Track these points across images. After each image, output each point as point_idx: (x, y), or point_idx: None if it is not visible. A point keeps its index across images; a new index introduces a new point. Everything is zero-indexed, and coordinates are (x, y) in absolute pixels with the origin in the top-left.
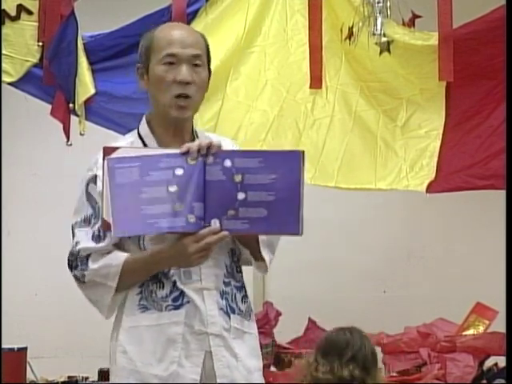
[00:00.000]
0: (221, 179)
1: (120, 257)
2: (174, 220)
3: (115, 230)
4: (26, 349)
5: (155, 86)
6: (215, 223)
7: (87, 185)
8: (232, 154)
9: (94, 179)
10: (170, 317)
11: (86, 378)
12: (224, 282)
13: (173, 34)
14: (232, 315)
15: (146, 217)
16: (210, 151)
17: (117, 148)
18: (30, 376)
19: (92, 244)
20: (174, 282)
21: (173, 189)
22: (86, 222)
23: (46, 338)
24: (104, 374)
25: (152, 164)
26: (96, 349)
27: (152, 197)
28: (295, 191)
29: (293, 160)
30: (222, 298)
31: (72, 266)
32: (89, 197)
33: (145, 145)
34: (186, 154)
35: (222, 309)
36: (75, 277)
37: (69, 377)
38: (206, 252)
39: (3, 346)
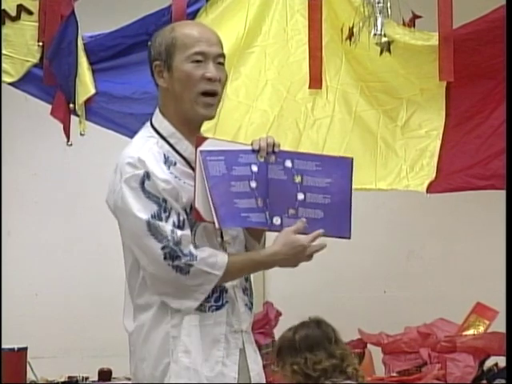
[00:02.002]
0: (282, 178)
1: (222, 252)
2: (259, 215)
3: (221, 222)
4: (26, 349)
5: (182, 84)
6: (277, 221)
7: (142, 183)
8: (292, 155)
9: (147, 176)
10: (215, 317)
11: (86, 378)
12: (245, 278)
13: (198, 32)
14: (252, 310)
15: (240, 210)
16: (273, 149)
17: (206, 138)
18: (30, 376)
19: (183, 232)
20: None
21: (253, 184)
22: (156, 218)
23: (45, 338)
24: (104, 374)
25: (233, 159)
26: (96, 349)
27: (240, 191)
28: (347, 196)
29: (345, 166)
30: (245, 294)
31: (173, 256)
32: (148, 195)
33: (170, 145)
34: (257, 150)
35: (246, 305)
36: (177, 267)
37: (69, 377)
38: None
39: (3, 346)
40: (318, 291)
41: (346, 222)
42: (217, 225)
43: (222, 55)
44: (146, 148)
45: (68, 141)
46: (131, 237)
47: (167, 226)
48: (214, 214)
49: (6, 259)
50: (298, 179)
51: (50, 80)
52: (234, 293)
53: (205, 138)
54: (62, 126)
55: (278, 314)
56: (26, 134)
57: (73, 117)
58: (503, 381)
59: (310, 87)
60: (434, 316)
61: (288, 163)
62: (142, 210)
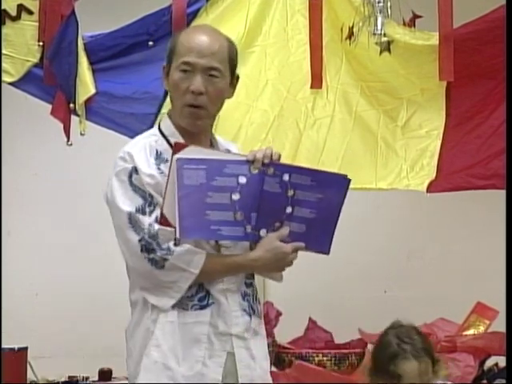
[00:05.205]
0: (276, 192)
1: (201, 251)
2: (234, 229)
3: (181, 233)
4: (26, 349)
5: (172, 91)
6: (264, 233)
7: (130, 177)
8: (290, 169)
9: (135, 171)
10: (196, 316)
11: (87, 378)
12: (245, 284)
13: (194, 40)
14: (253, 316)
15: (210, 222)
16: (272, 161)
17: (186, 145)
18: (30, 376)
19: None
20: (200, 283)
21: (236, 197)
22: (140, 211)
23: (45, 338)
24: (104, 374)
25: (218, 169)
26: (96, 349)
27: (216, 202)
28: (335, 213)
29: (341, 184)
30: (244, 299)
31: (149, 249)
32: (135, 188)
33: (169, 144)
34: (251, 162)
35: (244, 310)
36: (152, 260)
37: (69, 377)
38: None
39: (3, 346)
40: (319, 291)
41: (327, 238)
42: (177, 235)
43: (215, 68)
44: (140, 143)
45: (68, 141)
46: (116, 229)
47: (146, 219)
48: (177, 224)
49: (6, 259)
50: (290, 193)
51: (50, 80)
52: (224, 295)
53: (184, 146)
54: (62, 125)
55: (278, 313)
56: (25, 134)
57: (73, 117)
58: (503, 381)
59: (311, 87)
60: (434, 316)
61: (286, 177)
62: (126, 203)
